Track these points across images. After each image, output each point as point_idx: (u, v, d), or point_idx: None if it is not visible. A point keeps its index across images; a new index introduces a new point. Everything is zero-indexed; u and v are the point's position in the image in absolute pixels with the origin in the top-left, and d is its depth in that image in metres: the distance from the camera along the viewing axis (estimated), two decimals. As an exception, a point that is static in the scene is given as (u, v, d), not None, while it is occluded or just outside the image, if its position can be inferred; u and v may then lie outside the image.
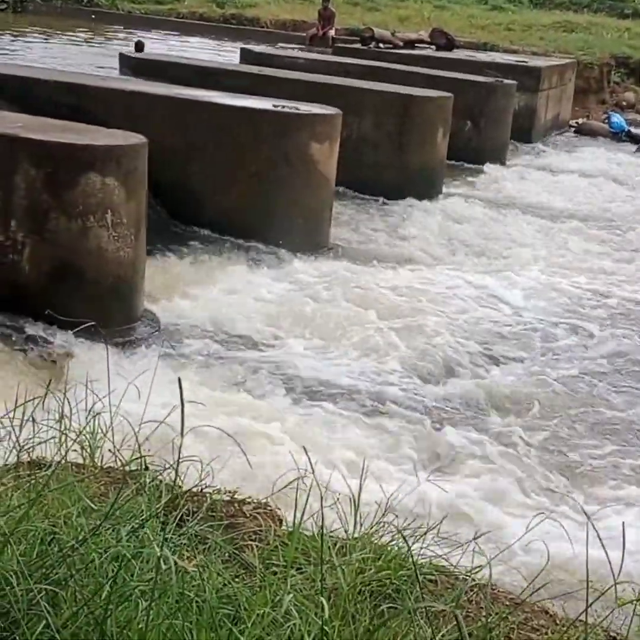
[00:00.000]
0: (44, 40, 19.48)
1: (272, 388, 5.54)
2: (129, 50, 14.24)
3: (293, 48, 19.34)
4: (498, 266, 8.67)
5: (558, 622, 2.58)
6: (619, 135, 17.17)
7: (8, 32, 19.99)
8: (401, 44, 17.47)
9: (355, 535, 2.66)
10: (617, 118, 17.86)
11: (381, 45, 17.16)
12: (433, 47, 17.82)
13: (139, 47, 18.32)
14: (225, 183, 8.14)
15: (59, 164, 5.81)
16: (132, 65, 12.08)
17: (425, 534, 2.61)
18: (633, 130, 17.44)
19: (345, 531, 2.65)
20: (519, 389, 5.91)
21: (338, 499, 2.72)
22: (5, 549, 1.94)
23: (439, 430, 5.22)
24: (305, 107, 8.37)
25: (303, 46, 20.56)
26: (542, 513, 2.65)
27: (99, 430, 2.81)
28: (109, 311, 6.00)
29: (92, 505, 2.24)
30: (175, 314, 6.54)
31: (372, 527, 2.70)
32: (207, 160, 8.15)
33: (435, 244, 9.22)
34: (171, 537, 2.18)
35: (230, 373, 5.71)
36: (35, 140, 5.88)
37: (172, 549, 2.10)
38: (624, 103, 20.61)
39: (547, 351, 6.64)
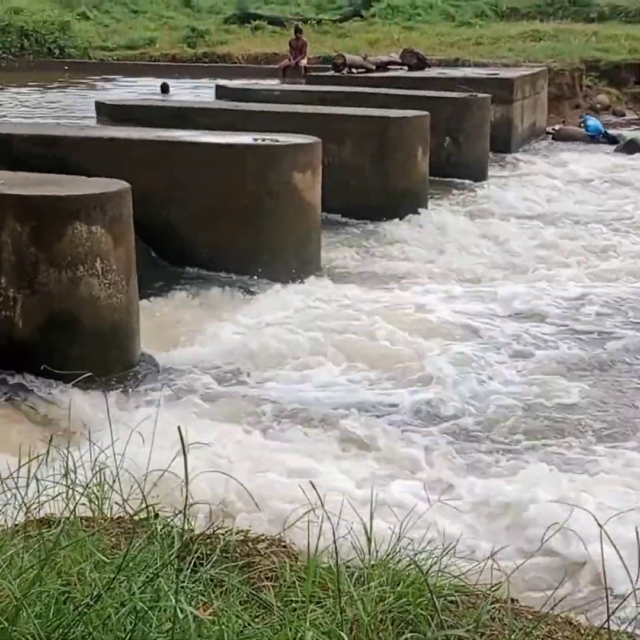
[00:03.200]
0: (21, 94, 19.58)
1: (276, 422, 5.52)
2: (105, 97, 14.32)
3: (267, 81, 19.45)
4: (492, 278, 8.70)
5: (582, 631, 2.57)
6: (596, 138, 17.27)
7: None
8: (374, 67, 17.60)
9: (372, 562, 2.64)
10: (593, 121, 17.97)
11: (354, 70, 17.29)
12: (405, 67, 17.96)
13: (165, 88, 18.65)
14: (213, 219, 8.16)
15: (44, 217, 5.83)
16: (109, 112, 12.13)
17: (442, 555, 2.60)
18: (609, 131, 17.55)
19: (362, 560, 2.63)
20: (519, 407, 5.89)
21: (351, 528, 2.70)
22: (20, 613, 1.92)
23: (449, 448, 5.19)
24: (285, 138, 8.41)
25: (277, 78, 20.71)
26: (556, 523, 2.63)
27: (106, 482, 2.79)
28: (106, 358, 6.00)
29: (105, 559, 2.22)
30: (173, 355, 6.52)
31: (388, 553, 2.68)
32: (193, 199, 8.18)
33: (423, 260, 9.25)
34: (187, 584, 2.16)
35: (232, 409, 5.68)
36: (18, 196, 5.90)
37: (189, 596, 2.09)
38: (598, 105, 20.74)
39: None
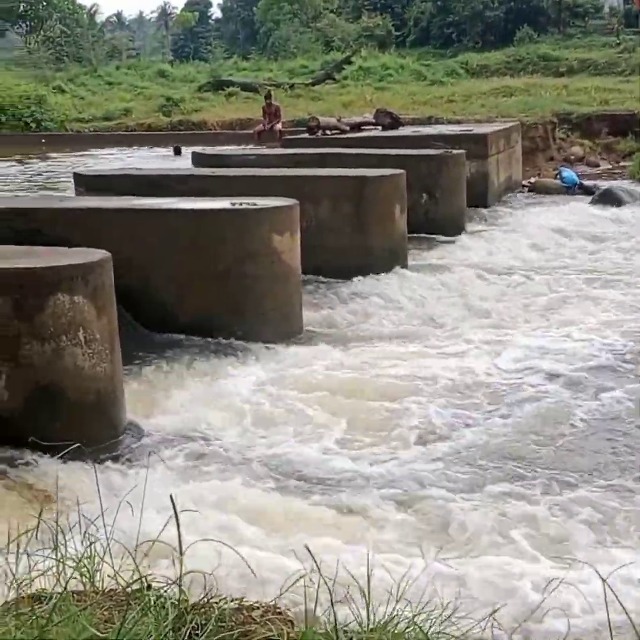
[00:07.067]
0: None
1: (267, 487, 5.45)
2: (82, 169, 14.40)
3: (243, 146, 19.70)
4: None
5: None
6: (572, 189, 17.48)
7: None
8: (348, 128, 17.81)
9: (371, 626, 2.59)
10: (568, 172, 18.20)
11: (328, 132, 17.49)
12: (379, 127, 18.19)
13: (177, 150, 19.68)
14: (194, 285, 8.17)
15: (25, 289, 5.81)
16: (86, 182, 12.19)
17: (441, 616, 2.55)
18: (585, 182, 17.77)
19: (360, 624, 2.58)
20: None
21: (348, 591, 2.66)
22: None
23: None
24: (262, 202, 8.47)
25: (253, 143, 20.95)
26: (556, 578, 2.60)
27: (97, 554, 2.74)
28: (92, 428, 5.95)
29: (98, 634, 2.17)
30: (160, 423, 6.46)
31: (386, 616, 2.63)
32: (174, 265, 8.19)
33: (405, 319, 9.25)
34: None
35: (219, 475, 5.62)
36: (-1, 269, 5.89)
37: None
38: (572, 157, 21.07)
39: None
